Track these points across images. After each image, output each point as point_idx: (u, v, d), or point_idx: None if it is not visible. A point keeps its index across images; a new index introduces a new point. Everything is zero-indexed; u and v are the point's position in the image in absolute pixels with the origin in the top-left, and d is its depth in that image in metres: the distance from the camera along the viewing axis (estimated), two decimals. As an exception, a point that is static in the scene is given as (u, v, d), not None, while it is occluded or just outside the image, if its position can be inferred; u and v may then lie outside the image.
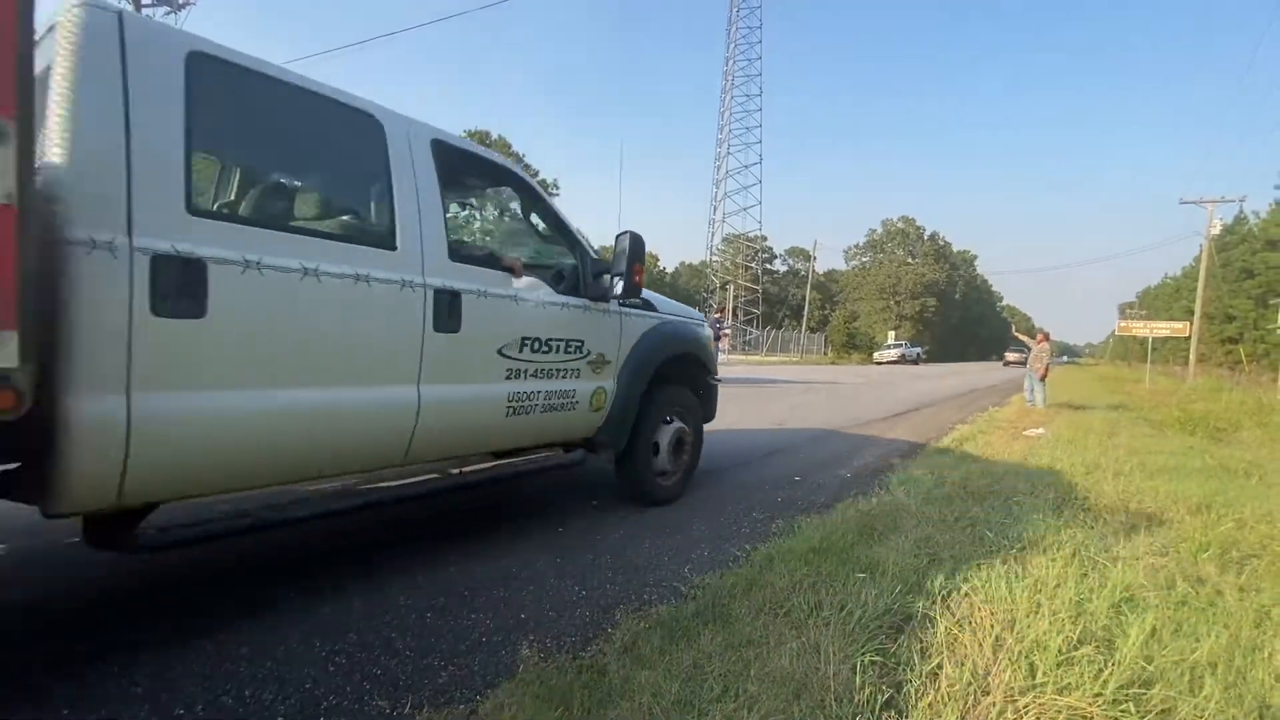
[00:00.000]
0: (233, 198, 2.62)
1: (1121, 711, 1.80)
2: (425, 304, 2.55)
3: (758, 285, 60.97)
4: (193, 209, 1.93)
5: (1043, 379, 11.65)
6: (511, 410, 2.99)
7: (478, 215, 3.09)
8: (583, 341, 3.36)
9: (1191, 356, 27.97)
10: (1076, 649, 2.09)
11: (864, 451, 6.45)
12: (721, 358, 18.69)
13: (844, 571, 2.77)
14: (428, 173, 2.69)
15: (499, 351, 2.89)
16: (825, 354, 48.79)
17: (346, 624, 2.24)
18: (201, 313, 1.90)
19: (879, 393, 14.49)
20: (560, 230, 3.48)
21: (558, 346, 3.22)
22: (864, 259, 76.74)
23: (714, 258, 61.75)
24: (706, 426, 4.57)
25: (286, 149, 2.58)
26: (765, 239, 66.13)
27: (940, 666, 2.03)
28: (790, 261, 78.71)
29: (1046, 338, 12.10)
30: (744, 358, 37.69)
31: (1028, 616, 2.32)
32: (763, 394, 12.57)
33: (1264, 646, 2.29)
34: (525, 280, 3.05)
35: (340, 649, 2.08)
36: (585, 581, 2.76)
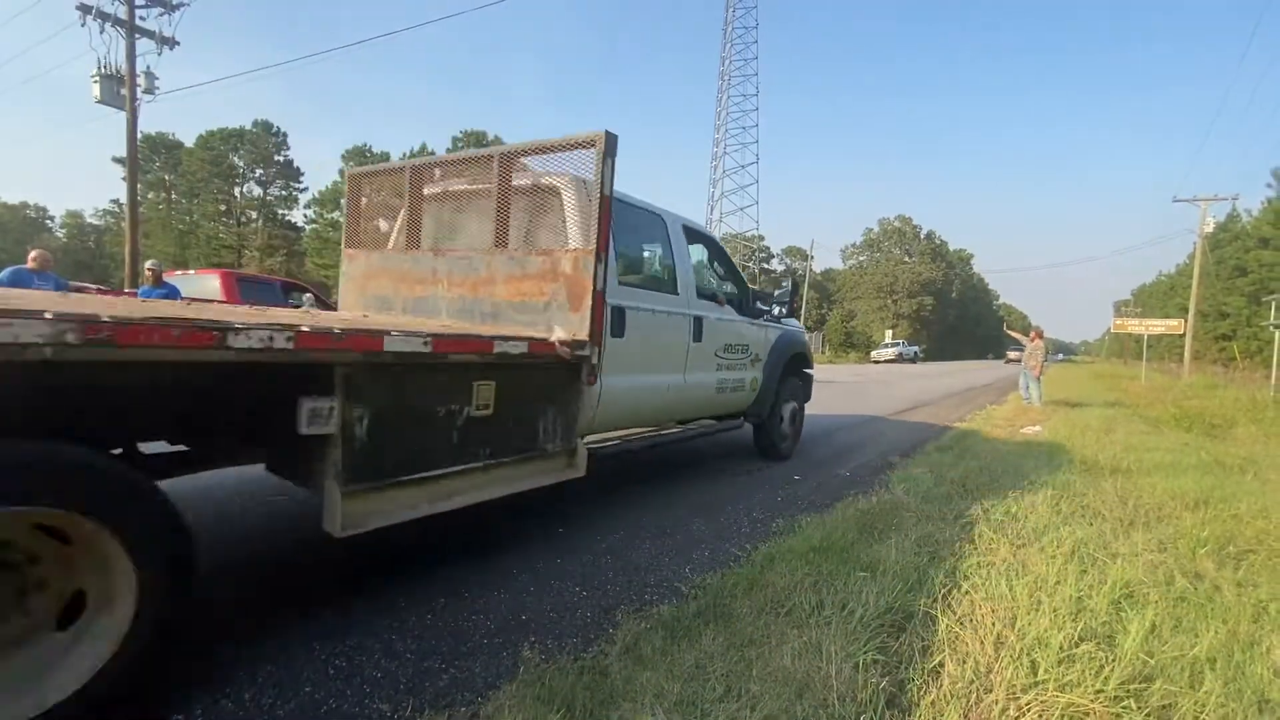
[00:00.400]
0: (622, 270, 3.70)
1: (1123, 708, 1.80)
2: (689, 325, 4.20)
3: (755, 285, 60.96)
4: (620, 280, 3.53)
5: (1038, 377, 11.68)
6: (718, 390, 4.65)
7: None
8: (748, 345, 4.99)
9: (1186, 354, 28.08)
10: (1077, 646, 2.10)
11: (864, 449, 6.45)
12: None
13: (845, 570, 2.77)
14: (682, 245, 4.29)
15: (714, 353, 4.53)
16: (823, 353, 48.82)
17: (346, 627, 2.23)
18: (623, 334, 3.49)
19: (877, 391, 14.50)
20: (734, 273, 5.14)
21: (738, 349, 4.85)
22: (861, 258, 76.89)
23: (710, 257, 61.67)
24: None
25: (636, 240, 4.09)
26: (763, 239, 66.23)
27: (942, 664, 2.03)
28: (787, 261, 78.76)
29: (1040, 335, 12.10)
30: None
31: (1029, 614, 2.33)
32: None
33: (1262, 641, 2.30)
34: (725, 308, 4.67)
35: (340, 652, 2.07)
36: (586, 582, 2.76)
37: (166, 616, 1.66)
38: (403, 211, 3.79)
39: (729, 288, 5.00)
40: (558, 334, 2.91)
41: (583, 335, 2.89)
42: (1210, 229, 27.12)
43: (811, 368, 6.28)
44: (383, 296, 3.88)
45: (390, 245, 3.97)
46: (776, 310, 5.32)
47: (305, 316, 2.81)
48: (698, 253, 4.63)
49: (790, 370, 5.60)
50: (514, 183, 3.27)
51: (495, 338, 2.49)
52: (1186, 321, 26.45)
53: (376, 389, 2.10)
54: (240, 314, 2.27)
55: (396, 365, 2.14)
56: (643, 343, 3.70)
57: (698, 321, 4.26)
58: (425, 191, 3.75)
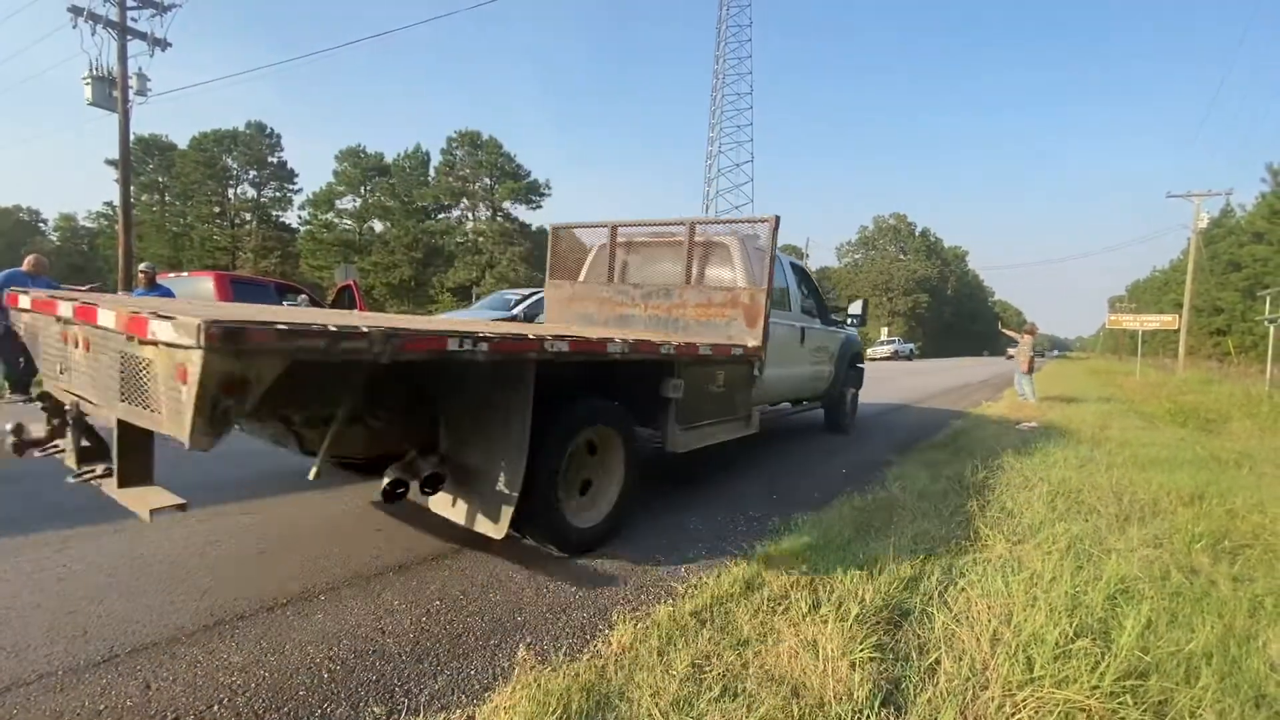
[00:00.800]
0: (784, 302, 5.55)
1: (1119, 704, 1.80)
2: (798, 334, 5.73)
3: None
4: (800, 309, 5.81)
5: (1027, 372, 11.73)
6: (812, 379, 6.24)
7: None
8: (827, 347, 6.55)
9: (1181, 349, 28.17)
10: (1073, 642, 2.10)
11: (859, 446, 6.45)
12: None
13: (841, 568, 2.77)
14: (790, 275, 5.78)
15: (809, 352, 6.05)
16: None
17: (341, 630, 2.22)
18: (801, 343, 5.77)
19: (871, 389, 14.50)
20: (815, 292, 6.54)
21: (821, 350, 6.39)
22: (856, 256, 77.01)
23: (706, 256, 61.70)
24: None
25: (782, 280, 5.53)
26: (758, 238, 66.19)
27: (938, 662, 2.03)
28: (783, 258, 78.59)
29: (1031, 331, 12.14)
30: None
31: (1024, 610, 2.32)
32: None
33: (1258, 636, 2.30)
34: (814, 320, 6.14)
35: (335, 655, 2.06)
36: (582, 583, 2.75)
37: (628, 490, 3.33)
38: (596, 253, 5.56)
39: (812, 303, 6.36)
40: (751, 343, 4.37)
41: (758, 344, 4.39)
42: (1204, 224, 27.21)
43: (864, 363, 8.30)
44: (587, 314, 5.37)
45: (582, 278, 5.61)
46: (850, 322, 7.26)
47: (668, 336, 4.13)
48: (795, 278, 5.94)
49: (851, 364, 7.37)
50: (695, 239, 4.90)
51: (732, 345, 4.14)
52: (1181, 317, 26.56)
53: (689, 374, 3.67)
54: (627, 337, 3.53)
55: (696, 362, 3.74)
56: (778, 348, 5.04)
57: (802, 331, 5.81)
58: (620, 240, 5.37)
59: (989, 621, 2.25)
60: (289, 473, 4.30)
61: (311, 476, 2.32)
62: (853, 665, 1.96)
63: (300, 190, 54.82)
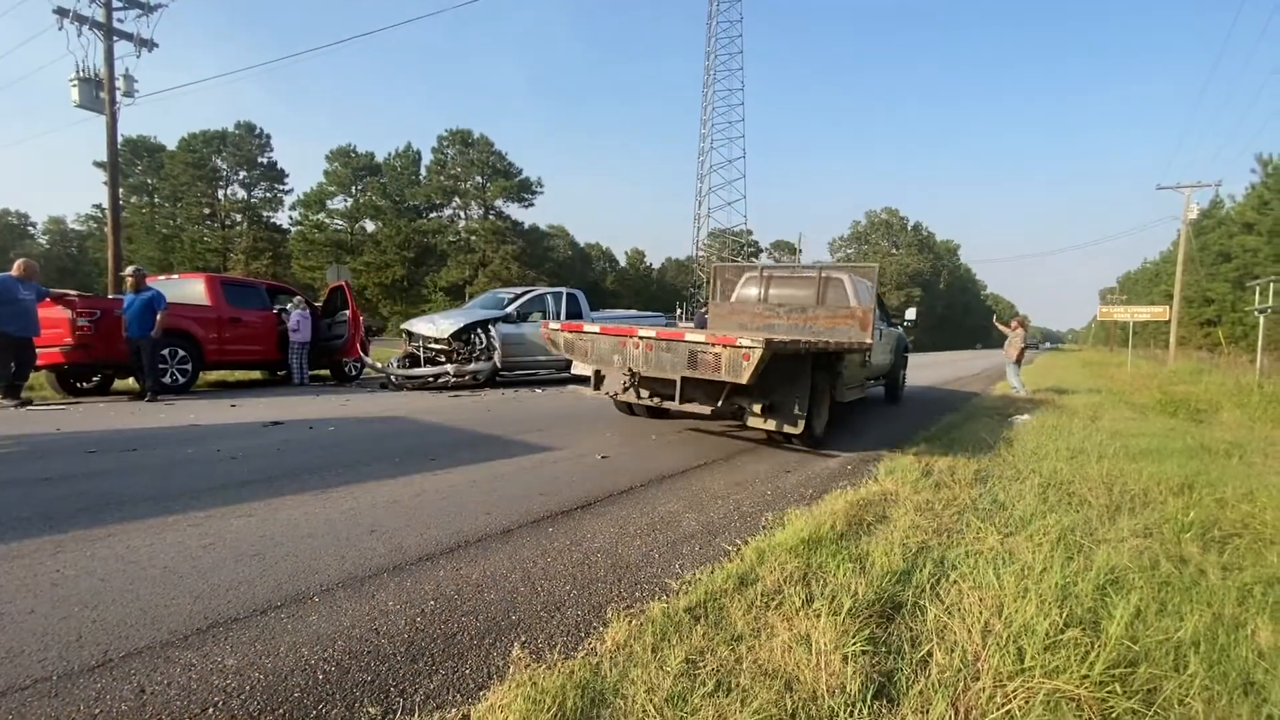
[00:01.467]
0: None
1: (1108, 693, 1.82)
2: (878, 334, 7.65)
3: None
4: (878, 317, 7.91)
5: (1016, 362, 11.85)
6: (885, 364, 8.91)
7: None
8: (890, 341, 9.23)
9: (1171, 340, 28.38)
10: (1063, 632, 2.12)
11: (850, 441, 6.48)
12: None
13: (834, 563, 2.79)
14: (872, 296, 7.51)
15: (883, 345, 8.43)
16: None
17: (335, 632, 2.22)
18: (880, 339, 8.27)
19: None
20: (881, 303, 8.23)
21: (887, 343, 8.85)
22: (849, 250, 77.14)
23: (700, 253, 61.78)
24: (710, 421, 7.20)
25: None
26: (751, 233, 66.34)
27: (930, 654, 2.05)
28: (776, 255, 78.87)
29: (1021, 324, 12.31)
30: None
31: (1015, 601, 2.34)
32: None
33: (1247, 624, 2.33)
34: (883, 323, 8.41)
35: (329, 657, 2.06)
36: (576, 580, 2.75)
37: (830, 418, 6.43)
38: (743, 283, 8.37)
39: (879, 311, 8.14)
40: (867, 341, 6.80)
41: (870, 342, 6.86)
42: (1194, 215, 27.37)
43: (909, 352, 11.73)
44: (742, 324, 7.84)
45: (734, 298, 8.29)
46: (905, 325, 10.62)
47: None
48: (873, 295, 7.73)
49: (901, 353, 10.46)
50: (822, 275, 7.72)
51: (860, 343, 6.60)
52: (1171, 308, 26.72)
53: (849, 357, 6.37)
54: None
55: (850, 350, 6.28)
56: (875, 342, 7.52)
57: (880, 331, 7.98)
58: (766, 275, 8.27)
59: (980, 613, 2.27)
60: (282, 476, 4.29)
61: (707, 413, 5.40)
62: (845, 658, 1.98)
63: (291, 191, 54.55)
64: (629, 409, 7.08)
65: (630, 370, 5.34)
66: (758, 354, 4.36)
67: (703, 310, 17.33)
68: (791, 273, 8.35)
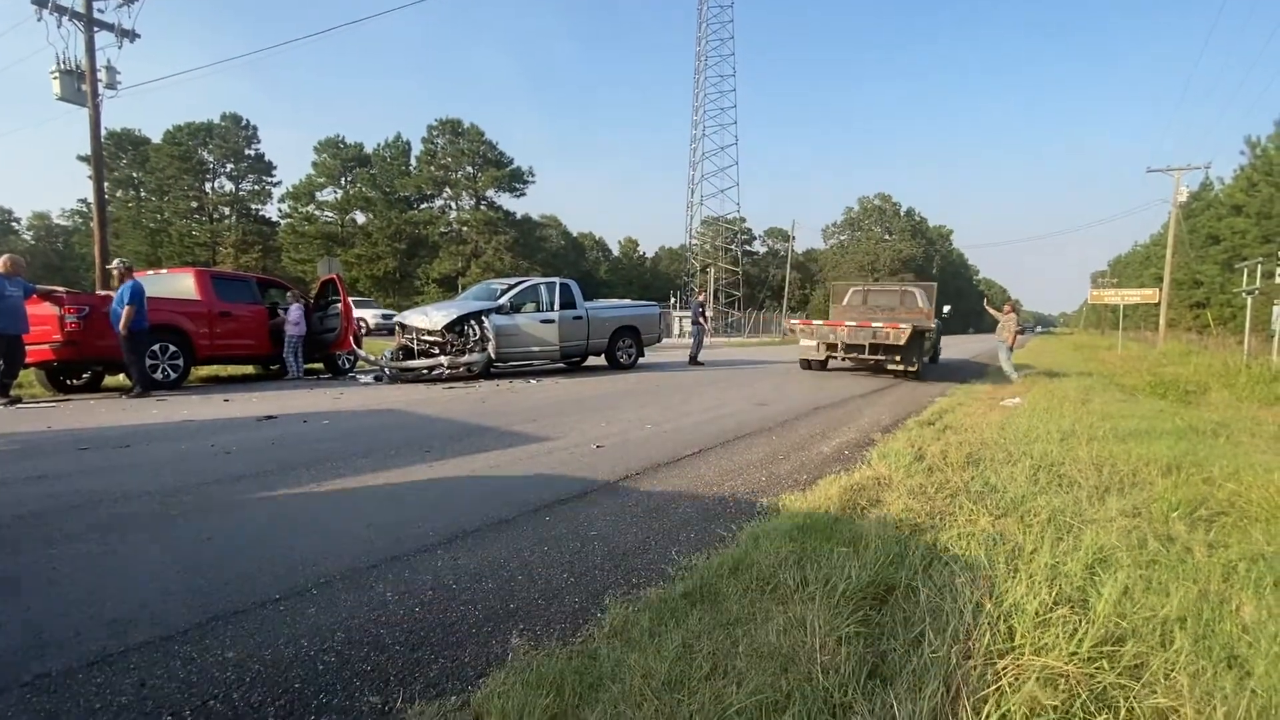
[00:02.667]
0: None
1: (1096, 668, 1.86)
2: (936, 325, 13.92)
3: (738, 267, 61.06)
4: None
5: (1011, 347, 11.96)
6: (936, 342, 15.26)
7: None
8: (938, 329, 14.46)
9: (1161, 322, 28.58)
10: (1053, 611, 2.15)
11: (846, 427, 6.53)
12: (705, 341, 18.70)
13: (828, 547, 2.82)
14: (932, 301, 13.79)
15: (937, 330, 14.21)
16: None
17: (334, 623, 2.23)
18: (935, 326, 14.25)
19: (861, 369, 14.62)
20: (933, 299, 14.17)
21: (936, 328, 13.80)
22: (842, 237, 77.15)
23: (693, 241, 61.64)
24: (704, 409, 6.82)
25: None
26: (744, 220, 66.16)
27: (923, 634, 2.08)
28: (769, 242, 78.85)
29: (1013, 309, 12.41)
30: (727, 340, 37.77)
31: (1006, 581, 2.38)
32: (746, 375, 12.63)
33: (1231, 600, 2.37)
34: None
35: (329, 648, 2.07)
36: (573, 568, 2.78)
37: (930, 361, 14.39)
38: (850, 294, 14.70)
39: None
40: (932, 326, 12.05)
41: (934, 328, 12.45)
42: (1184, 198, 27.50)
43: (941, 335, 15.76)
44: (853, 319, 11.71)
45: (844, 303, 14.50)
46: (942, 314, 14.04)
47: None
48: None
49: (939, 335, 14.79)
50: (900, 289, 14.65)
51: (929, 328, 12.07)
52: (1161, 290, 26.89)
53: (927, 336, 12.06)
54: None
55: (926, 332, 11.78)
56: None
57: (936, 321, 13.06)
58: (864, 288, 15.02)
59: (971, 594, 2.30)
60: (277, 470, 4.29)
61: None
62: (840, 640, 2.01)
63: (279, 183, 54.01)
64: (822, 364, 13.46)
65: (841, 343, 11.63)
66: (908, 331, 10.60)
67: (699, 299, 17.37)
68: (883, 287, 15.29)
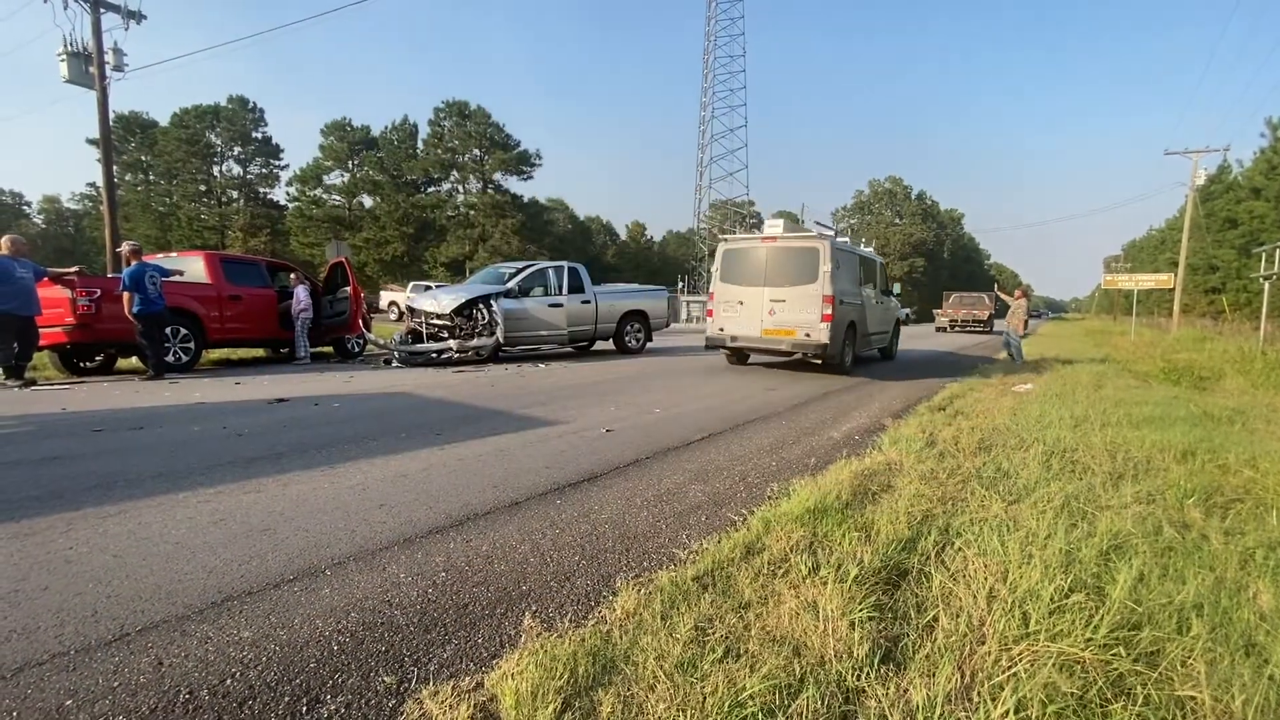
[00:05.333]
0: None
1: (1113, 655, 1.84)
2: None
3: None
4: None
5: (1022, 334, 11.88)
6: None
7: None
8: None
9: (1175, 308, 28.24)
10: (1068, 597, 2.14)
11: (854, 413, 6.50)
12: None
13: (840, 531, 2.81)
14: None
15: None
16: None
17: (348, 604, 2.25)
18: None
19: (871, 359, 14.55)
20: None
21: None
22: (852, 221, 76.42)
23: (701, 225, 61.25)
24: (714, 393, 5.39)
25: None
26: (753, 204, 65.65)
27: (936, 619, 2.07)
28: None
29: (1024, 294, 12.20)
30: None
31: (1020, 567, 2.36)
32: (754, 359, 12.59)
33: (1248, 587, 2.35)
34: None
35: (343, 628, 2.09)
36: (585, 551, 2.78)
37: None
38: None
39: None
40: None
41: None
42: (1201, 181, 27.03)
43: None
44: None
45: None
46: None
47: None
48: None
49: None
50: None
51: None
52: (1176, 275, 26.53)
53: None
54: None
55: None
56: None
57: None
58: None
59: (985, 580, 2.29)
60: (290, 452, 4.32)
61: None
62: (852, 624, 2.00)
63: (287, 166, 53.92)
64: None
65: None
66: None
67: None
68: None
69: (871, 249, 12.96)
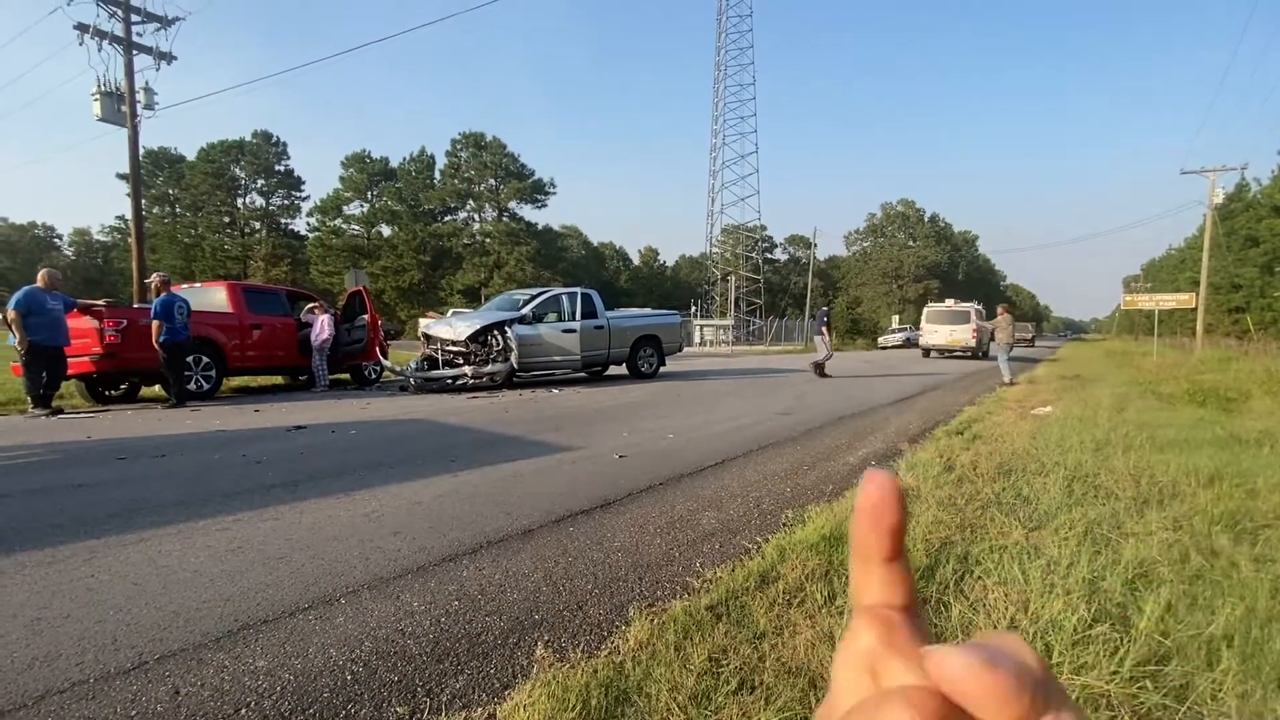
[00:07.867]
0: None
1: (1139, 689, 1.79)
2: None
3: (759, 276, 60.81)
4: None
5: (1006, 347, 12.02)
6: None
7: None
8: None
9: (1198, 327, 27.76)
10: (1092, 628, 2.09)
11: (870, 437, 6.44)
12: (725, 350, 18.54)
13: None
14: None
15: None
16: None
17: (362, 633, 2.25)
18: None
19: (887, 377, 14.43)
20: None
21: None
22: (865, 244, 76.43)
23: (714, 249, 61.58)
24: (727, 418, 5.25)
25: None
26: (765, 228, 65.96)
27: (955, 650, 2.03)
28: (790, 250, 78.43)
29: (1008, 310, 12.76)
30: (748, 348, 37.57)
31: (1041, 597, 2.31)
32: (768, 383, 12.54)
33: (1281, 617, 2.27)
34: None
35: (357, 658, 2.09)
36: (598, 579, 2.77)
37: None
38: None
39: None
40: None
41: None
42: (1220, 200, 26.77)
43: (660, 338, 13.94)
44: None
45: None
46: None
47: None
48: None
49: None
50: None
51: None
52: (1198, 295, 26.13)
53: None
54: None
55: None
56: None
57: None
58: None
59: (1006, 609, 2.25)
60: (307, 479, 4.36)
61: None
62: (869, 656, 1.96)
63: (308, 197, 55.31)
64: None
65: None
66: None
67: (825, 308, 16.14)
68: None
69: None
